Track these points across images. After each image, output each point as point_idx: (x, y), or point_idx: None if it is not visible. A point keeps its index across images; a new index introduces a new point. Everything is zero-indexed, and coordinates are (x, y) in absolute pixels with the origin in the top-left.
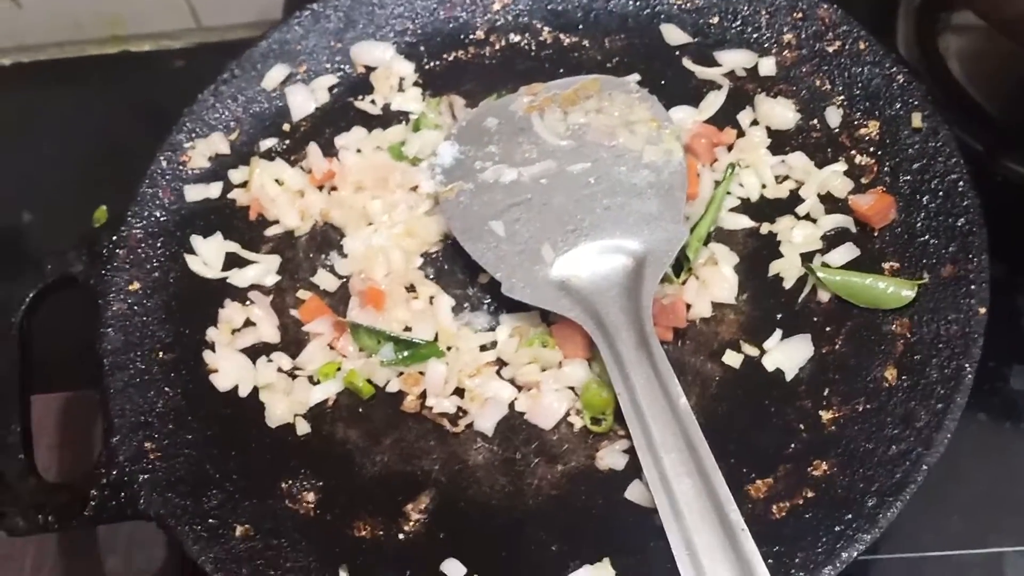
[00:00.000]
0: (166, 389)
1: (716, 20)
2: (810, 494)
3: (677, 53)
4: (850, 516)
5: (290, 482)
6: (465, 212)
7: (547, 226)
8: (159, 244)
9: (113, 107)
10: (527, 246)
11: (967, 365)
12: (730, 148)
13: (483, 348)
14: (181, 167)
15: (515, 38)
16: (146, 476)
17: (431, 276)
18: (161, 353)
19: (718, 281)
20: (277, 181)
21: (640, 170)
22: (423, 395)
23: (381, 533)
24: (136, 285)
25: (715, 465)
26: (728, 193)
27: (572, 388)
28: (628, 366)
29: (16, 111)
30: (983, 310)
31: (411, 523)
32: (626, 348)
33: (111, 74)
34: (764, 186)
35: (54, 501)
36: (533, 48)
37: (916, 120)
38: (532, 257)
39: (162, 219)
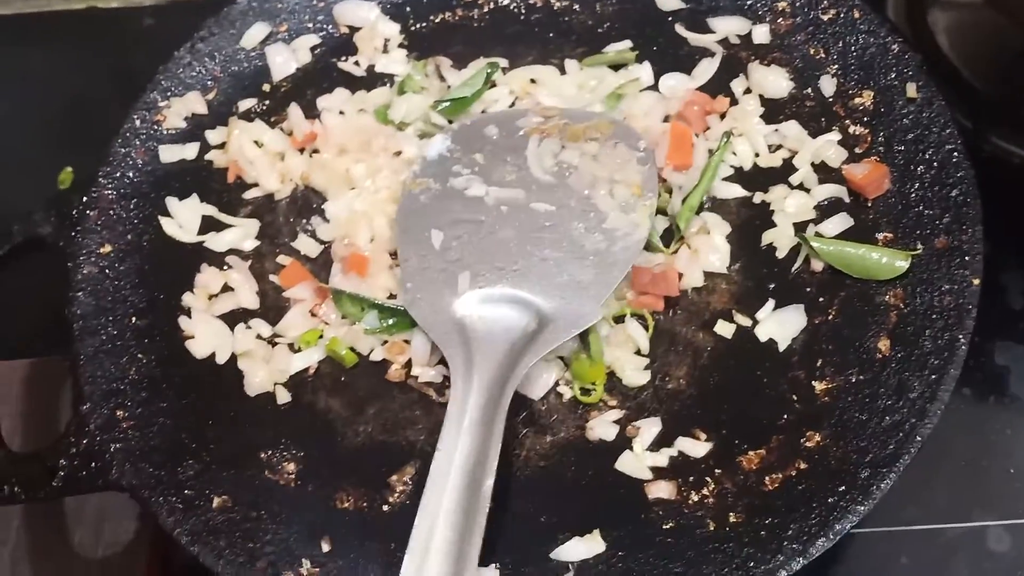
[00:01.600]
0: (139, 356)
1: None
2: (803, 465)
3: (670, 19)
4: (843, 487)
5: (270, 452)
6: (419, 211)
7: (480, 255)
8: (132, 206)
9: (80, 66)
10: (450, 267)
11: (960, 336)
12: (723, 116)
13: None
14: (156, 127)
15: (504, 0)
16: (118, 445)
17: None
18: (134, 319)
19: (710, 250)
20: (256, 143)
21: (595, 233)
22: (408, 364)
23: (365, 504)
24: (108, 248)
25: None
26: (722, 161)
27: (562, 358)
28: (464, 427)
29: None
30: (977, 281)
31: (396, 494)
32: (473, 409)
33: (78, 32)
34: (757, 155)
35: (20, 471)
36: (523, 11)
37: (911, 90)
38: (448, 280)
39: (135, 180)
